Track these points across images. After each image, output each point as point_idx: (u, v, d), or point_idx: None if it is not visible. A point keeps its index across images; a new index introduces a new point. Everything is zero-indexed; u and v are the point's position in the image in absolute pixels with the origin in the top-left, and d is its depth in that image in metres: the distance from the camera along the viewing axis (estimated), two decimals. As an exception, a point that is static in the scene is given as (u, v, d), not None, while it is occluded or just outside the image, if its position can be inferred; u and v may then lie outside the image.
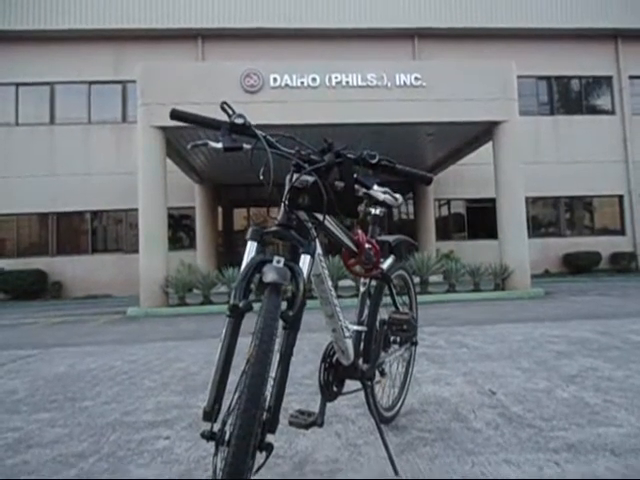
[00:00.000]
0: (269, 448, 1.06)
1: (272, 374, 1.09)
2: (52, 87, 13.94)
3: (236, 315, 1.08)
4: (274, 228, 1.20)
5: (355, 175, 1.24)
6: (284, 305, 1.14)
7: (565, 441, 1.79)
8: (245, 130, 1.15)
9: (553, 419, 2.03)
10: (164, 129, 8.45)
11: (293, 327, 1.12)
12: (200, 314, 7.60)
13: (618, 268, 13.94)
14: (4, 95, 13.72)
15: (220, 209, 14.71)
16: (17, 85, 13.84)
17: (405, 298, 2.18)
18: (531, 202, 13.41)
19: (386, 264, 1.80)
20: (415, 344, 2.09)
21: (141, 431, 2.09)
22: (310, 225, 1.25)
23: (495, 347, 3.68)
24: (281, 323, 1.11)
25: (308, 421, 1.50)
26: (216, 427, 1.05)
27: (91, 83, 13.97)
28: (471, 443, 1.81)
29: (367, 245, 1.65)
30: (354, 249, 1.60)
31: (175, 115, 1.15)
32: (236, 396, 1.02)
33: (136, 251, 9.03)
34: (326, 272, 1.41)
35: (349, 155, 1.23)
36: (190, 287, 8.36)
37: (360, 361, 1.70)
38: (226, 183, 13.44)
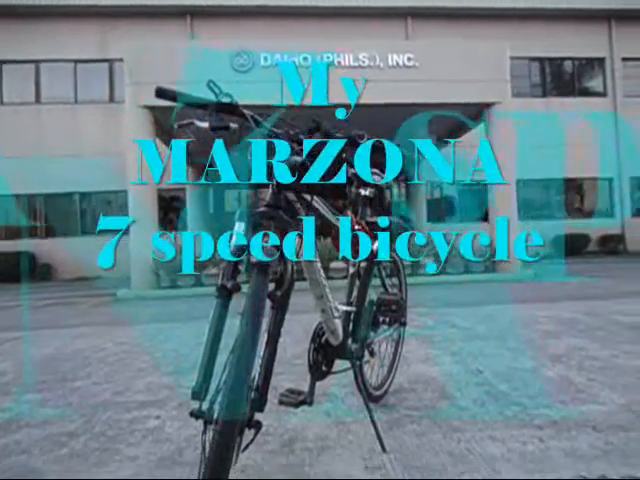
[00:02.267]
0: (258, 426, 1.07)
1: (260, 354, 1.10)
2: (37, 65, 13.61)
3: (224, 296, 1.08)
4: (262, 209, 1.19)
5: (343, 155, 1.23)
6: (273, 286, 1.14)
7: (549, 418, 1.83)
8: (232, 109, 1.13)
9: (538, 397, 2.07)
10: (153, 109, 8.31)
11: (281, 307, 1.12)
12: (191, 296, 7.59)
13: (607, 250, 14.11)
14: (-13, 73, 13.38)
15: (211, 191, 14.61)
16: (1, 63, 13.49)
17: (395, 280, 2.20)
18: (522, 184, 13.43)
19: (375, 245, 1.80)
20: (404, 324, 2.11)
21: (132, 411, 2.11)
22: (299, 206, 1.25)
23: (484, 327, 3.73)
24: (269, 303, 1.12)
25: (298, 400, 1.51)
26: (205, 406, 1.06)
27: (76, 62, 13.65)
28: (457, 420, 1.84)
29: (357, 227, 1.65)
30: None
31: (160, 93, 1.12)
32: (224, 375, 1.03)
33: (126, 233, 8.95)
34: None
35: (337, 135, 1.22)
36: (181, 269, 8.33)
37: (349, 341, 1.72)
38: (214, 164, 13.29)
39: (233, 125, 1.12)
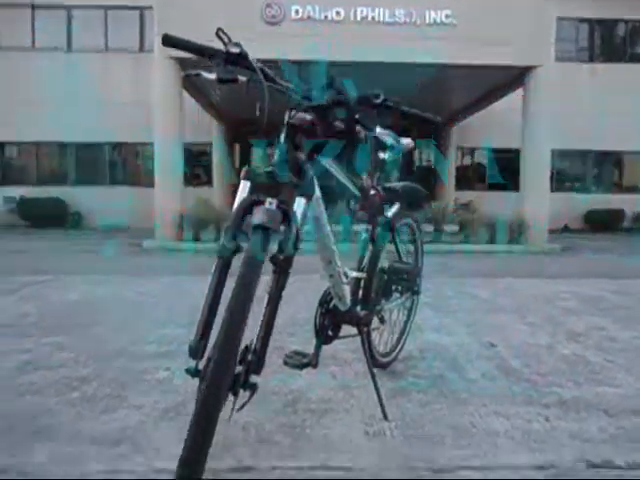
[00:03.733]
0: (253, 388, 1.06)
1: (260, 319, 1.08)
2: (69, 11, 13.50)
3: (224, 256, 1.05)
4: (269, 168, 1.14)
5: (357, 116, 1.15)
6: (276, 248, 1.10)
7: (559, 397, 1.78)
8: (241, 61, 1.07)
9: (550, 375, 2.03)
10: (180, 60, 8.20)
11: (283, 271, 1.09)
12: (214, 251, 7.69)
13: (642, 227, 13.60)
14: (18, 17, 13.35)
15: (237, 146, 14.55)
16: (33, 7, 13.42)
17: (411, 247, 2.14)
18: (557, 155, 12.89)
19: (391, 211, 1.74)
20: (417, 293, 2.07)
21: (144, 361, 2.16)
22: (308, 166, 1.19)
23: (504, 300, 3.66)
24: (272, 267, 1.08)
25: (302, 362, 1.51)
26: (201, 365, 1.06)
27: (107, 8, 13.47)
28: (464, 392, 1.82)
29: (372, 191, 1.58)
30: (357, 194, 1.54)
31: (167, 41, 1.06)
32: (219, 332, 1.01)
33: (154, 185, 9.04)
34: (325, 216, 1.36)
35: (351, 93, 1.14)
36: (205, 224, 8.43)
37: (358, 308, 1.69)
38: (244, 118, 13.17)
39: (242, 78, 1.06)
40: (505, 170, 13.03)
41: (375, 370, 1.92)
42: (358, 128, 1.19)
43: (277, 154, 1.14)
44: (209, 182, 13.32)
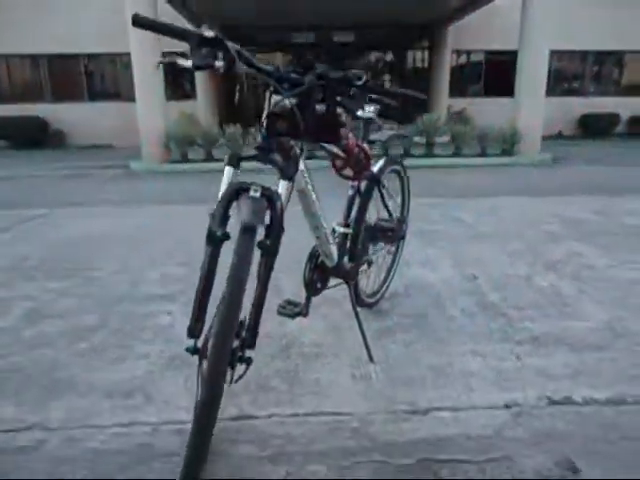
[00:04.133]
0: (249, 361, 1.18)
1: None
2: None
3: (214, 243, 1.11)
4: (253, 152, 1.15)
5: (339, 98, 1.14)
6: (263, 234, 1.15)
7: (531, 333, 1.95)
8: (217, 44, 1.03)
9: (526, 309, 2.18)
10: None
11: (271, 254, 1.15)
12: (202, 171, 7.61)
13: (637, 132, 13.41)
14: None
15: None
16: None
17: (399, 193, 2.18)
18: (554, 56, 12.31)
19: (377, 166, 1.76)
20: (402, 238, 2.14)
21: (146, 304, 2.28)
22: (292, 144, 1.19)
23: (488, 225, 3.76)
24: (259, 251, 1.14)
25: (294, 311, 1.63)
26: (200, 343, 1.16)
27: None
28: (445, 331, 1.97)
29: (356, 149, 1.59)
30: (342, 155, 1.55)
31: (137, 21, 1.01)
32: (214, 322, 1.10)
33: (134, 99, 8.66)
34: (309, 187, 1.39)
35: (332, 75, 1.11)
36: (191, 141, 8.23)
37: (345, 260, 1.77)
38: (228, 24, 12.30)
39: (218, 63, 1.02)
40: (503, 74, 12.53)
41: (362, 310, 2.07)
42: (340, 111, 1.18)
43: (260, 140, 1.14)
44: (193, 96, 12.74)
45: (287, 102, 1.11)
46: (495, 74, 13.31)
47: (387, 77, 15.02)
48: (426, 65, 13.72)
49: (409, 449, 1.29)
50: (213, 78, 12.93)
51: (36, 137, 12.24)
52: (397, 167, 2.08)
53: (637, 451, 1.29)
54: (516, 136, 8.23)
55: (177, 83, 13.52)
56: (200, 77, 12.47)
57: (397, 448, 1.30)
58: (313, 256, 1.69)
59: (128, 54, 8.41)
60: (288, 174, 1.17)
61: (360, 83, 1.12)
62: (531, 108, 8.43)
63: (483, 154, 8.48)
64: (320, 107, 1.14)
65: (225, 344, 1.04)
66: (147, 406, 1.49)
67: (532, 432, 1.36)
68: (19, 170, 8.08)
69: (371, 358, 1.74)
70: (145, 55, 8.03)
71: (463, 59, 13.70)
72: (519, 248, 3.12)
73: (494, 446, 1.31)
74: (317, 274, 1.71)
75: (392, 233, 1.83)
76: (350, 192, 1.76)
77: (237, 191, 1.11)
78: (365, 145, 1.63)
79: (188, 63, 1.01)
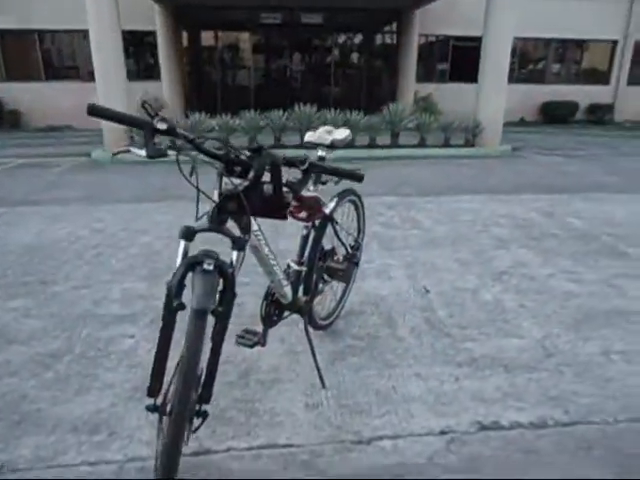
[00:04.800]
0: (205, 414, 1.29)
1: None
2: None
3: (170, 312, 1.20)
4: (206, 226, 1.24)
5: (285, 180, 1.23)
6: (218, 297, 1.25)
7: (470, 354, 2.13)
8: (171, 133, 1.10)
9: (469, 327, 2.37)
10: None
11: (223, 320, 1.25)
12: (167, 162, 7.49)
13: (594, 119, 13.91)
14: None
15: (185, 33, 13.36)
16: None
17: (354, 219, 2.30)
18: (518, 43, 12.53)
19: (330, 207, 1.87)
20: (356, 265, 2.27)
21: (109, 327, 2.35)
22: (242, 217, 1.29)
23: (444, 229, 3.95)
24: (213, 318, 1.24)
25: (253, 341, 1.75)
26: (159, 401, 1.27)
27: None
28: (392, 354, 2.13)
29: (306, 194, 1.68)
30: (296, 204, 1.65)
31: (93, 111, 1.07)
32: (175, 380, 1.20)
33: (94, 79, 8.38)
34: (262, 242, 1.49)
35: (278, 161, 1.20)
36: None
37: (299, 295, 1.89)
38: (189, 2, 11.93)
39: (171, 152, 1.10)
40: (469, 60, 12.67)
41: (318, 332, 2.20)
42: (286, 191, 1.27)
43: (213, 214, 1.23)
44: (157, 77, 12.39)
45: (237, 184, 1.20)
46: (461, 60, 13.45)
47: (355, 57, 14.98)
48: (394, 47, 13.71)
49: (352, 480, 1.45)
50: (178, 56, 12.61)
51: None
52: (352, 197, 2.19)
53: (551, 475, 1.48)
54: (478, 128, 8.45)
55: (139, 65, 13.12)
56: (164, 55, 12.12)
57: None
58: (269, 294, 1.80)
59: (86, 31, 8.10)
60: (239, 245, 1.27)
61: (304, 167, 1.22)
62: (494, 97, 8.61)
63: (447, 144, 8.68)
64: (268, 188, 1.23)
65: (184, 410, 1.15)
66: (112, 442, 1.59)
67: (461, 458, 1.54)
68: (-27, 158, 7.77)
69: (323, 384, 1.88)
70: (104, 32, 7.77)
71: (430, 44, 13.76)
72: (469, 257, 3.31)
73: (425, 474, 1.48)
74: (273, 308, 1.83)
75: (343, 273, 1.96)
76: (304, 232, 1.86)
77: (192, 264, 1.20)
78: (312, 193, 1.73)
79: (142, 153, 1.08)
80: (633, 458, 1.54)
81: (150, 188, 5.67)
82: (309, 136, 1.79)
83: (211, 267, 1.19)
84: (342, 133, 1.84)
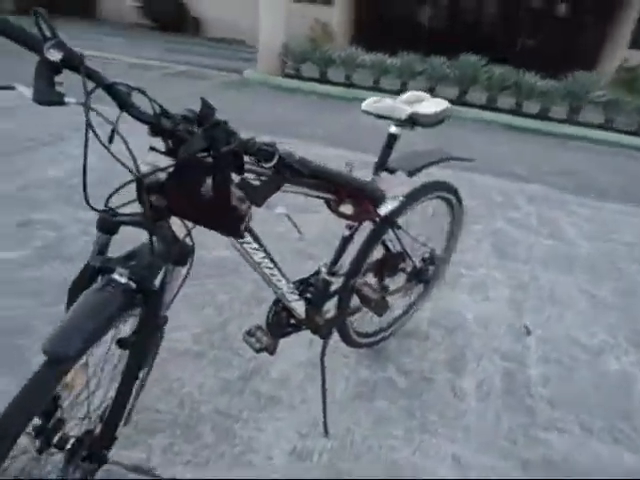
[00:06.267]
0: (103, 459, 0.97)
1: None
2: None
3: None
4: (135, 218, 0.82)
5: (239, 180, 0.74)
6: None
7: (547, 454, 1.49)
8: (72, 68, 0.69)
9: (564, 409, 1.69)
10: None
11: (137, 352, 0.87)
12: (315, 93, 7.16)
13: None
14: None
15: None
16: None
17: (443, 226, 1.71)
18: None
19: (388, 206, 1.30)
20: (428, 282, 1.71)
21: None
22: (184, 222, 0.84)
23: (589, 247, 2.99)
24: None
25: (260, 346, 1.40)
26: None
27: None
28: (438, 414, 1.58)
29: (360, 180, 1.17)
30: (331, 197, 1.15)
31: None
32: None
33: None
34: (251, 245, 1.04)
35: (223, 149, 0.71)
36: (307, 59, 7.72)
37: (322, 311, 1.43)
38: None
39: (70, 100, 0.69)
40: None
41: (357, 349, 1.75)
42: (239, 196, 0.78)
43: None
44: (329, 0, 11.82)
45: (159, 174, 0.75)
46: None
47: (560, 8, 12.60)
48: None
49: None
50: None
51: (176, 22, 12.49)
52: (443, 194, 1.59)
53: None
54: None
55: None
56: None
57: None
58: (279, 299, 1.37)
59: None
60: (179, 260, 0.85)
61: (270, 164, 0.72)
62: None
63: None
64: (207, 186, 0.76)
65: None
66: None
67: None
68: (149, 53, 8.34)
69: (326, 430, 1.45)
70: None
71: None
72: (609, 296, 2.45)
73: None
74: (284, 318, 1.41)
75: (376, 304, 1.41)
76: (346, 232, 1.35)
77: (97, 272, 0.81)
78: (368, 179, 1.20)
79: (28, 95, 0.69)
80: None
81: (287, 119, 5.38)
82: (372, 102, 1.23)
83: (123, 279, 0.80)
84: (435, 105, 1.24)
